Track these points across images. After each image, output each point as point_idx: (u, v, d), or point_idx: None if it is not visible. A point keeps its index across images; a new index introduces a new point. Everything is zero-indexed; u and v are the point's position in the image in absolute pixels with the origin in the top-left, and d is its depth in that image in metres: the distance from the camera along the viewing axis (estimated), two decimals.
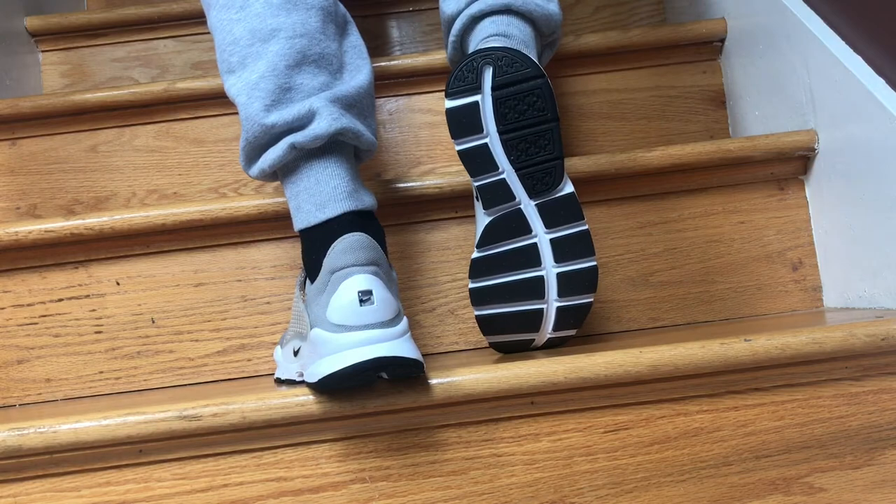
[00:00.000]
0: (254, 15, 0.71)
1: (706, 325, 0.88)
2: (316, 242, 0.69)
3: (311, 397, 0.65)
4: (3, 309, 0.90)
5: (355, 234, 0.65)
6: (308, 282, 0.70)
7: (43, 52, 1.35)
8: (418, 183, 0.91)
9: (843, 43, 0.87)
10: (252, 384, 0.80)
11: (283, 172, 0.73)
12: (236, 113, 1.14)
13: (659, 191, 0.94)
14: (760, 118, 1.07)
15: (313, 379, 0.63)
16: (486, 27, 0.80)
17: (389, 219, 0.92)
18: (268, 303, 0.91)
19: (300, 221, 0.71)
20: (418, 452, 0.66)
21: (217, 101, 1.13)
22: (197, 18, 1.37)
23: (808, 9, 0.94)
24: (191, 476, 0.66)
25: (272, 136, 0.71)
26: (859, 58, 0.85)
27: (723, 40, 1.17)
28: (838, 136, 0.88)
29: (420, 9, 1.40)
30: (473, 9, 0.81)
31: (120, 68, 1.36)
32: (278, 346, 0.80)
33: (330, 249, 0.64)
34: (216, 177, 1.13)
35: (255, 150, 0.73)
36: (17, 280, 0.90)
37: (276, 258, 0.92)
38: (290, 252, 0.92)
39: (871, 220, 0.83)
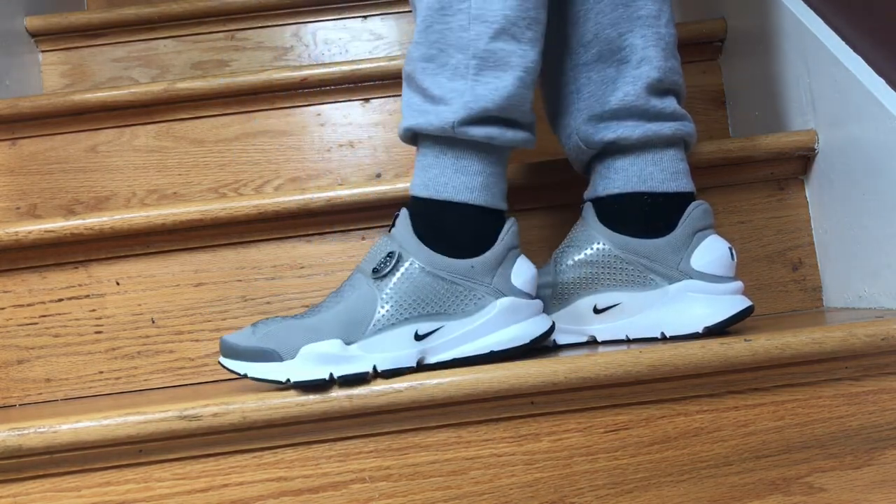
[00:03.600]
0: None
1: None
2: (491, 220, 0.73)
3: (312, 397, 0.65)
4: (3, 309, 0.90)
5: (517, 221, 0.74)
6: (451, 259, 0.71)
7: (43, 52, 1.35)
8: None
9: (843, 43, 0.87)
10: (252, 384, 0.80)
11: (483, 148, 0.73)
12: (236, 113, 1.14)
13: None
14: (760, 118, 1.07)
15: (521, 341, 0.71)
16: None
17: (389, 219, 0.92)
18: (268, 303, 0.91)
19: (483, 198, 0.73)
20: (418, 452, 0.66)
21: (217, 101, 1.13)
22: (197, 18, 1.37)
23: (808, 9, 0.94)
24: (191, 476, 0.66)
25: (520, 123, 0.74)
26: (859, 58, 0.85)
27: (723, 40, 1.17)
28: (838, 136, 0.88)
29: None
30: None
31: (120, 68, 1.36)
32: (329, 341, 0.69)
33: (507, 229, 0.73)
34: (216, 177, 1.13)
35: (495, 120, 0.72)
36: (17, 280, 0.90)
37: (276, 258, 0.92)
38: (290, 252, 0.92)
39: (871, 220, 0.83)
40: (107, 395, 0.89)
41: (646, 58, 0.76)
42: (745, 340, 0.66)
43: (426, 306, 0.70)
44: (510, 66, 0.71)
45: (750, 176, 0.94)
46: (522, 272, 0.72)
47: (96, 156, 1.13)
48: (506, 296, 0.71)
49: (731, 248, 0.74)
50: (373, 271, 0.71)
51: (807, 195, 0.95)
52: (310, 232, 0.92)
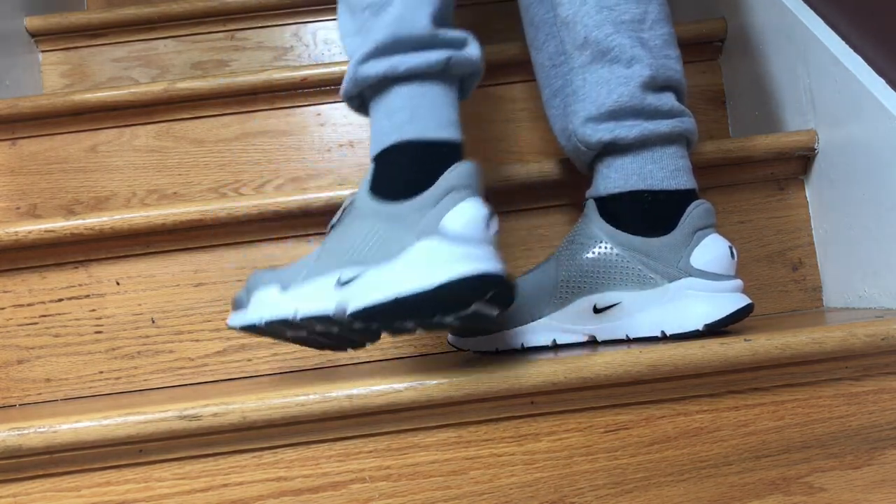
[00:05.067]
0: None
1: None
2: (428, 157, 0.68)
3: (312, 397, 0.65)
4: (3, 309, 0.90)
5: (474, 163, 0.66)
6: (382, 202, 0.66)
7: (43, 52, 1.35)
8: None
9: (842, 43, 0.87)
10: (252, 384, 0.80)
11: (401, 81, 0.70)
12: (236, 113, 1.14)
13: None
14: (760, 118, 1.07)
15: (425, 287, 0.59)
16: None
17: None
18: None
19: (412, 131, 0.68)
20: (418, 452, 0.66)
21: (217, 101, 1.13)
22: (197, 18, 1.37)
23: (807, 9, 0.94)
24: (191, 476, 0.66)
25: (428, 44, 0.70)
26: (859, 58, 0.85)
27: (723, 40, 1.17)
28: (838, 136, 0.88)
29: None
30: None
31: (120, 68, 1.36)
32: (269, 287, 0.70)
33: (451, 170, 0.64)
34: (216, 177, 1.13)
35: (395, 49, 0.70)
36: (17, 280, 0.90)
37: (276, 258, 0.92)
38: (290, 252, 0.92)
39: (871, 220, 0.83)
40: (107, 395, 0.89)
41: (635, 56, 0.77)
42: (745, 340, 0.66)
43: (352, 253, 0.66)
44: None
45: (750, 176, 0.94)
46: (463, 213, 0.63)
47: (96, 156, 1.13)
48: (431, 237, 0.62)
49: (731, 247, 0.74)
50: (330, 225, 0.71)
51: (807, 195, 0.95)
52: (310, 232, 0.92)
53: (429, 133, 0.68)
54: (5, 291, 0.90)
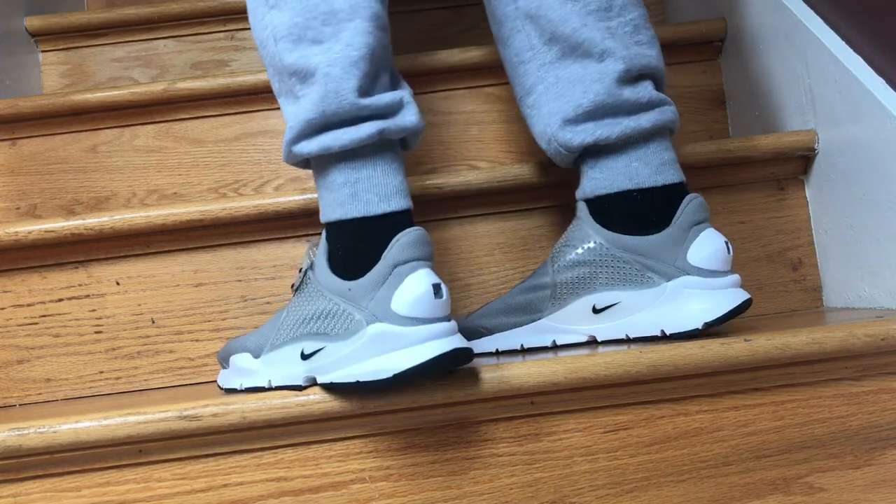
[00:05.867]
0: None
1: None
2: (372, 234, 0.66)
3: (312, 397, 0.65)
4: (3, 309, 0.90)
5: (419, 229, 0.65)
6: (336, 278, 0.66)
7: (43, 52, 1.35)
8: (418, 183, 0.90)
9: (842, 43, 0.87)
10: None
11: (338, 158, 0.69)
12: (236, 113, 1.14)
13: None
14: (760, 118, 1.07)
15: (383, 375, 0.61)
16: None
17: None
18: (268, 303, 0.91)
19: (355, 210, 0.67)
20: (418, 452, 0.66)
21: (217, 101, 1.13)
22: (197, 18, 1.37)
23: (807, 9, 0.94)
24: (191, 476, 0.66)
25: (358, 117, 0.68)
26: (859, 58, 0.85)
27: (723, 40, 1.17)
28: (838, 136, 0.88)
29: (420, 9, 1.40)
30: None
31: (120, 68, 1.36)
32: (243, 354, 0.73)
33: (393, 242, 0.64)
34: (216, 177, 1.13)
35: (326, 127, 0.69)
36: (17, 280, 0.90)
37: (276, 258, 0.92)
38: (290, 252, 0.92)
39: (871, 220, 0.83)
40: (107, 395, 0.89)
41: (607, 49, 0.74)
42: (745, 340, 0.66)
43: (313, 324, 0.67)
44: (317, 68, 0.68)
45: (750, 176, 0.94)
46: (410, 290, 0.62)
47: (96, 156, 1.13)
48: (381, 322, 0.63)
49: (727, 242, 0.73)
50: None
51: (807, 195, 0.95)
52: (309, 232, 0.92)
53: (371, 209, 0.67)
54: (5, 291, 0.90)
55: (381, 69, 0.71)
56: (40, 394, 0.90)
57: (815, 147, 0.92)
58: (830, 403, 0.68)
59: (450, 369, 0.65)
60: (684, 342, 0.67)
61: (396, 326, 0.62)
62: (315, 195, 0.90)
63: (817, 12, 0.93)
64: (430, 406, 0.66)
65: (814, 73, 0.92)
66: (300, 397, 0.65)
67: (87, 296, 0.90)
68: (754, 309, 0.93)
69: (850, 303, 0.88)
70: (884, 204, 0.81)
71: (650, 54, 0.76)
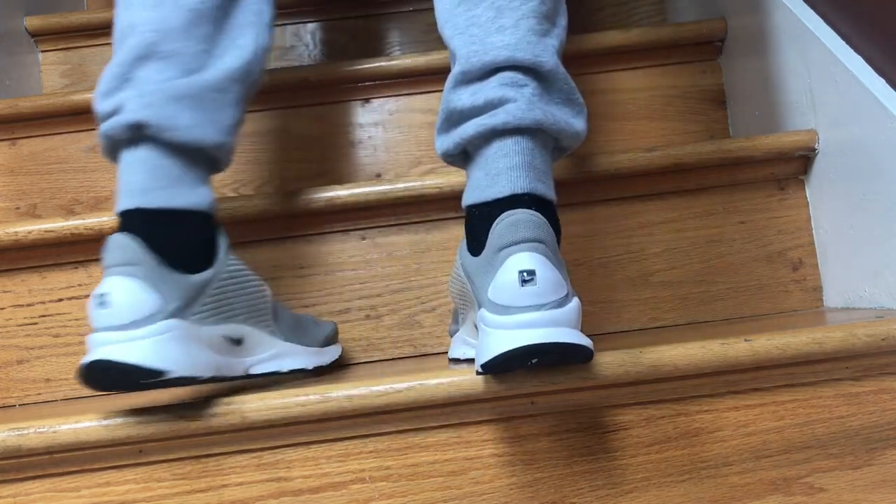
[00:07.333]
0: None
1: (707, 325, 0.88)
2: (485, 217, 0.64)
3: (312, 397, 0.65)
4: (3, 309, 0.90)
5: (524, 211, 0.61)
6: (470, 257, 0.65)
7: (43, 52, 1.35)
8: (418, 183, 0.91)
9: (843, 43, 0.87)
10: (250, 382, 0.80)
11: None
12: None
13: (659, 191, 0.94)
14: (760, 118, 1.07)
15: (477, 364, 0.60)
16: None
17: (389, 218, 0.92)
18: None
19: (471, 197, 0.65)
20: (418, 452, 0.66)
21: None
22: None
23: (807, 8, 0.94)
24: (191, 476, 0.66)
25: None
26: (859, 58, 0.85)
27: (723, 40, 1.17)
28: (838, 136, 0.88)
29: (420, 9, 1.40)
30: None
31: None
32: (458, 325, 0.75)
33: (494, 225, 0.61)
34: (216, 177, 1.13)
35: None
36: (17, 280, 0.90)
37: (276, 258, 0.92)
38: (290, 252, 0.92)
39: (871, 220, 0.83)
40: (107, 395, 0.89)
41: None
42: (746, 340, 0.66)
43: (463, 296, 0.71)
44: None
45: (750, 176, 0.94)
46: (501, 280, 0.60)
47: (96, 156, 1.13)
48: (482, 307, 0.62)
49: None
50: None
51: (807, 195, 0.95)
52: (310, 232, 0.92)
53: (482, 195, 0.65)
54: (5, 291, 0.90)
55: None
56: (40, 394, 0.89)
57: (816, 147, 0.92)
58: (831, 403, 0.68)
59: (552, 363, 0.60)
60: (685, 342, 0.67)
61: (489, 314, 0.60)
62: (315, 195, 0.90)
63: (817, 12, 0.93)
64: (429, 406, 0.66)
65: (814, 73, 0.92)
66: (300, 397, 0.65)
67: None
68: (755, 309, 0.93)
69: (851, 303, 0.88)
70: (884, 204, 0.80)
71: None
